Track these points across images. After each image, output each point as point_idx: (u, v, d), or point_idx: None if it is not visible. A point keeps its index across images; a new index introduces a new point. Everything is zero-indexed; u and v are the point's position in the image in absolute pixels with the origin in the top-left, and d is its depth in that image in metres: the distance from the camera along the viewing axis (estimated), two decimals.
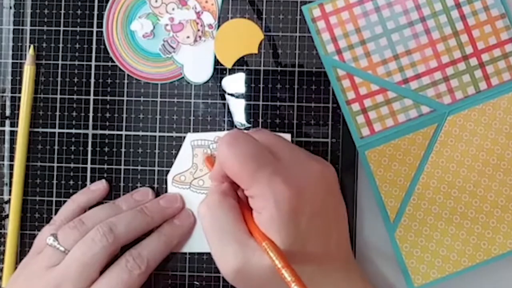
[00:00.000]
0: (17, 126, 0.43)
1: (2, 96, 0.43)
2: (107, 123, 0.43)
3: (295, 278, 0.31)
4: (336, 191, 0.38)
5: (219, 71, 0.42)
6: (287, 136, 0.42)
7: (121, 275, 0.37)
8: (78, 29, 0.43)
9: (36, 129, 0.43)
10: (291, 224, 0.33)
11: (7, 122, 0.43)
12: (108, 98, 0.43)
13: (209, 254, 0.42)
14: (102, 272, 0.37)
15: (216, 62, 0.42)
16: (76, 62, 0.43)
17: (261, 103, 0.42)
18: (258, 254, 0.33)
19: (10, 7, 0.43)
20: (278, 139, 0.37)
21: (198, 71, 0.42)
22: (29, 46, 0.43)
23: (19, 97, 0.43)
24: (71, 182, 0.43)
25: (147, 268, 0.38)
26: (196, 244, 0.42)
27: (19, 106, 0.43)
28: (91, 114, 0.43)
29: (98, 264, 0.37)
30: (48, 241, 0.38)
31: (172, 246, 0.40)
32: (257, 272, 0.33)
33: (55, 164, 0.43)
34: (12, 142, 0.43)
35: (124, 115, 0.43)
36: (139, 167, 0.42)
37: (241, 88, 0.42)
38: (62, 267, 0.37)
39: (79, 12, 0.43)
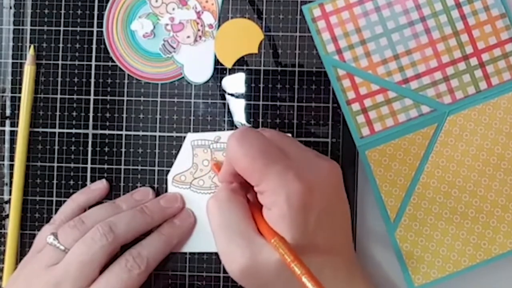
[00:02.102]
0: (17, 126, 0.43)
1: (2, 96, 0.43)
2: (107, 123, 0.43)
3: (305, 271, 0.31)
4: (342, 189, 0.38)
5: (219, 71, 0.42)
6: None
7: (121, 275, 0.37)
8: (78, 29, 0.43)
9: (36, 129, 0.43)
10: (301, 219, 0.33)
11: (7, 122, 0.43)
12: (108, 98, 0.43)
13: (209, 254, 0.42)
14: (102, 271, 0.37)
15: (216, 62, 0.42)
16: (76, 62, 0.43)
17: (261, 103, 0.42)
18: (265, 251, 0.33)
19: (10, 7, 0.43)
20: (286, 137, 0.37)
21: (198, 71, 0.42)
22: (29, 46, 0.43)
23: (19, 97, 0.43)
24: (71, 182, 0.43)
25: (147, 268, 0.38)
26: (196, 244, 0.41)
27: (19, 106, 0.43)
28: (91, 114, 0.43)
29: (97, 263, 0.37)
30: (48, 240, 0.38)
31: (172, 246, 0.40)
32: (264, 270, 0.33)
33: (55, 164, 0.43)
34: (12, 142, 0.43)
35: (124, 115, 0.43)
36: (139, 167, 0.42)
37: (241, 88, 0.42)
38: (62, 266, 0.37)
39: (79, 12, 0.43)
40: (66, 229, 0.38)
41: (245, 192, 0.37)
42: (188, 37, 0.42)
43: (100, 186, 0.42)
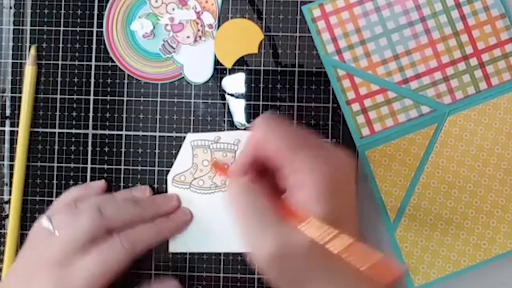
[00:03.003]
0: (17, 126, 0.43)
1: (2, 96, 0.43)
2: (107, 123, 0.43)
3: (349, 243, 0.32)
4: (354, 180, 0.38)
5: (219, 71, 0.42)
6: None
7: (110, 252, 0.37)
8: (78, 29, 0.43)
9: (36, 129, 0.43)
10: (330, 199, 0.34)
11: (7, 122, 0.43)
12: (108, 98, 0.43)
13: (209, 254, 0.42)
14: None
15: (216, 62, 0.42)
16: (76, 62, 0.43)
17: (261, 103, 0.42)
18: (295, 235, 0.33)
19: (10, 7, 0.43)
20: (304, 129, 0.38)
21: (198, 71, 0.42)
22: (29, 46, 0.43)
23: (19, 97, 0.43)
24: (71, 182, 0.43)
25: (133, 249, 0.38)
26: (196, 244, 0.42)
27: (19, 106, 0.43)
28: (91, 114, 0.43)
29: (89, 237, 0.37)
30: (43, 224, 0.38)
31: (162, 237, 0.40)
32: (295, 252, 0.33)
33: (55, 164, 0.43)
34: (12, 142, 0.43)
35: (124, 115, 0.43)
36: (139, 167, 0.42)
37: (241, 88, 0.42)
38: (57, 247, 0.37)
39: (79, 12, 0.43)
40: (61, 213, 0.39)
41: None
42: (188, 37, 0.42)
43: (98, 184, 0.42)
